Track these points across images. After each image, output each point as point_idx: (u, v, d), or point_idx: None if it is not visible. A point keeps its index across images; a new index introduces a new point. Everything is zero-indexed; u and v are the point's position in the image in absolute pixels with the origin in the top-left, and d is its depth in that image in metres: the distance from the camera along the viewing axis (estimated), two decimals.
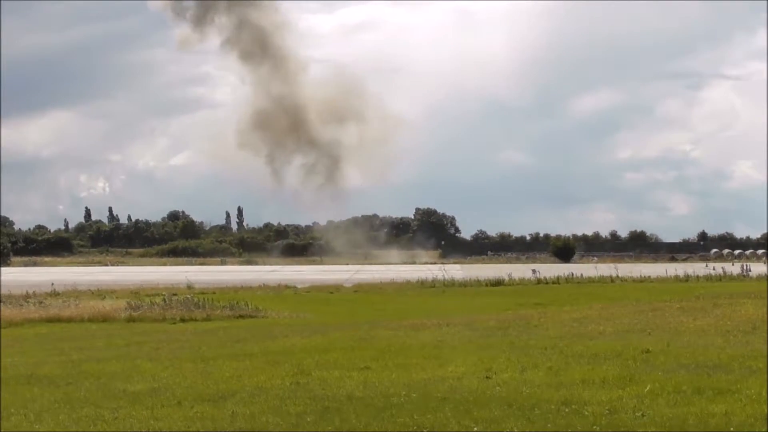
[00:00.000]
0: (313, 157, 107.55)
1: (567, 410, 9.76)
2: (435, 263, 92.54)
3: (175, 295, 34.49)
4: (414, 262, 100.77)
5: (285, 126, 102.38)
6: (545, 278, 47.43)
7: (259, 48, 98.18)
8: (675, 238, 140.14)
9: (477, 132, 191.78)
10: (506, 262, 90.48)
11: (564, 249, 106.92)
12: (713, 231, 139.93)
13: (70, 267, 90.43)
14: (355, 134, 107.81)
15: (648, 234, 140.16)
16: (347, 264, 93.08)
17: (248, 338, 19.69)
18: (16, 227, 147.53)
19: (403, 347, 16.14)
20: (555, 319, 21.11)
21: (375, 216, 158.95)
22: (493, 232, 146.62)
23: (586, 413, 9.60)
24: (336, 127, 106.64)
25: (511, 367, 12.98)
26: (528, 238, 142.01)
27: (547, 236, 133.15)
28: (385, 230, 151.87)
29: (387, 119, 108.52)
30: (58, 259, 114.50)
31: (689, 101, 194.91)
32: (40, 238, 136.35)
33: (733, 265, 59.43)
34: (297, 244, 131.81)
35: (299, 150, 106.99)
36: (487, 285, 45.30)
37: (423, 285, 45.72)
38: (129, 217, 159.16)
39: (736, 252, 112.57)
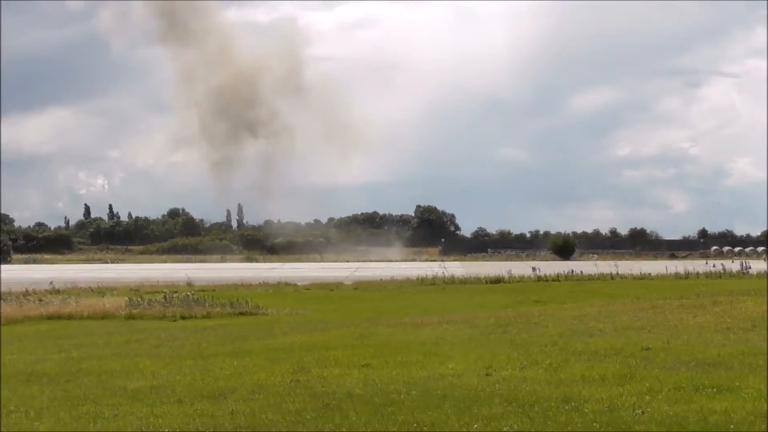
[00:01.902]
0: (253, 151, 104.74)
1: (567, 407, 9.76)
2: (435, 260, 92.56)
3: (175, 292, 34.43)
4: (414, 260, 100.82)
5: (222, 116, 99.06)
6: (545, 276, 47.41)
7: (173, 27, 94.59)
8: (675, 235, 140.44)
9: (476, 129, 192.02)
10: (506, 260, 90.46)
11: (564, 246, 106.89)
12: (713, 228, 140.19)
13: (70, 264, 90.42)
14: (298, 123, 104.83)
15: (648, 231, 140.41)
16: (347, 261, 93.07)
17: (248, 335, 19.69)
18: (16, 224, 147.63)
19: (403, 344, 16.13)
20: (555, 316, 21.11)
21: (375, 213, 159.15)
22: (492, 229, 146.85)
23: (586, 410, 9.60)
24: (278, 114, 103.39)
25: (511, 364, 12.97)
26: (528, 235, 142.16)
27: (546, 233, 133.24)
28: (385, 227, 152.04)
29: (334, 103, 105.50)
30: (58, 257, 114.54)
31: (688, 98, 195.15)
32: (40, 236, 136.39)
33: (733, 262, 59.36)
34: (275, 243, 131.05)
35: (240, 144, 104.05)
36: (487, 282, 45.29)
37: (423, 282, 45.72)
38: (129, 215, 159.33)
39: (736, 249, 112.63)
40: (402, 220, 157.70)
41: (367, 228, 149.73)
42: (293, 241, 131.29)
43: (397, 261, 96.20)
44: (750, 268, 50.43)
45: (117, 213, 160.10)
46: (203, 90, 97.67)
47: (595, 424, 9.01)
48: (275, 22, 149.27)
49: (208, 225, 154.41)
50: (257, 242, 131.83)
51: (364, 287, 43.26)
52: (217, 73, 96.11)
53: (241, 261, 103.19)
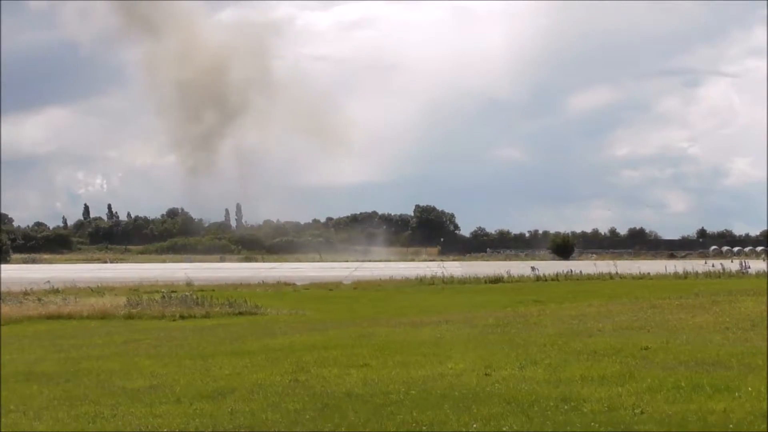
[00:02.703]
0: (233, 153, 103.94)
1: (566, 407, 9.76)
2: (434, 260, 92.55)
3: (174, 292, 34.44)
4: (413, 260, 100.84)
5: (195, 119, 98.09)
6: (544, 275, 47.35)
7: (132, 22, 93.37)
8: (674, 235, 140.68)
9: (475, 129, 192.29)
10: (505, 260, 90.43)
11: (563, 246, 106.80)
12: (712, 228, 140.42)
13: (69, 264, 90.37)
14: (283, 122, 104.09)
15: (647, 231, 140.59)
16: (346, 261, 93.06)
17: (247, 335, 19.68)
18: (14, 224, 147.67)
19: (403, 344, 16.13)
20: (554, 316, 21.12)
21: (374, 213, 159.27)
22: (492, 229, 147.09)
23: (585, 410, 9.60)
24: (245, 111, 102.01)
25: (510, 364, 12.97)
26: (527, 235, 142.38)
27: (546, 233, 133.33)
28: (384, 227, 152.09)
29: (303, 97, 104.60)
30: (57, 257, 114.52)
31: (687, 98, 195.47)
32: (39, 236, 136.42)
33: (732, 262, 59.31)
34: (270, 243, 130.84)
35: (214, 148, 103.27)
36: (486, 282, 45.24)
37: (422, 282, 45.67)
38: (128, 214, 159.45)
39: (735, 249, 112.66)
40: (401, 220, 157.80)
41: (366, 228, 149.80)
42: (292, 240, 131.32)
43: (396, 261, 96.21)
44: (749, 267, 50.38)
45: (116, 213, 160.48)
46: (174, 91, 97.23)
47: (594, 424, 9.01)
48: (267, 22, 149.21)
49: (207, 225, 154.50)
50: (256, 242, 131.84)
51: (363, 287, 43.24)
52: (187, 70, 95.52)
53: (240, 261, 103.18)
